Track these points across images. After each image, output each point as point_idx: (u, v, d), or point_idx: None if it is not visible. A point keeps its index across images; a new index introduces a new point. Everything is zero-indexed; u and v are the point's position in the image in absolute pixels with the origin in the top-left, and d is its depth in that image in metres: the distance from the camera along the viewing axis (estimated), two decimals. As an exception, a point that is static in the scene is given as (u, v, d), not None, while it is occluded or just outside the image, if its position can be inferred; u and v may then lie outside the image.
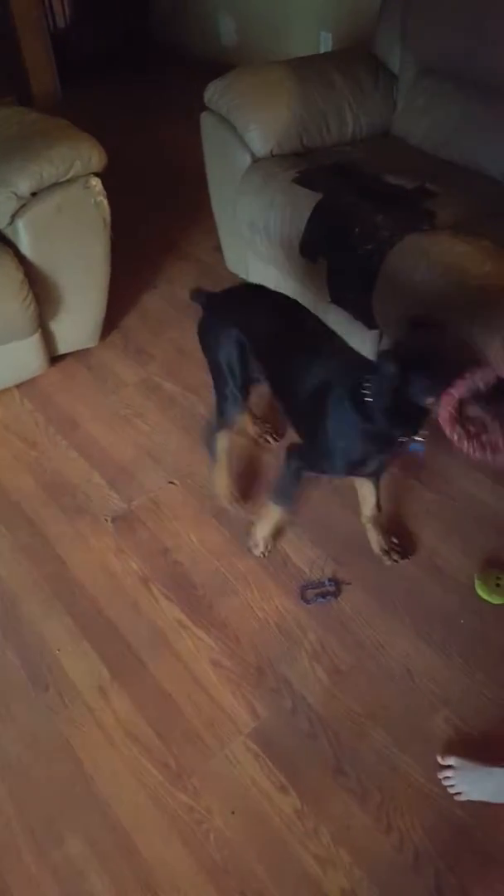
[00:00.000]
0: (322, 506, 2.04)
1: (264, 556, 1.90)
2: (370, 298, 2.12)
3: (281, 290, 1.88)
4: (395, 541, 1.90)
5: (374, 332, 2.21)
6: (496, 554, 1.88)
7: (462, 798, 1.45)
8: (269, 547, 1.92)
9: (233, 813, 1.46)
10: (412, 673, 1.67)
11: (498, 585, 1.79)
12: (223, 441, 1.96)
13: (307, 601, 1.82)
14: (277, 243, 2.37)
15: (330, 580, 1.86)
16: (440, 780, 1.47)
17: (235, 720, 1.60)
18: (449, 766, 1.48)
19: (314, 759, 1.53)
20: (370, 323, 2.19)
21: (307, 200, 2.25)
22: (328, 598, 1.82)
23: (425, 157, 2.56)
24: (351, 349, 1.72)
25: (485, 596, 1.79)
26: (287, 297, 1.83)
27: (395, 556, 1.88)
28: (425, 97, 2.59)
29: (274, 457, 2.15)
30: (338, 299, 2.26)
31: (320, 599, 1.82)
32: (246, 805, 1.47)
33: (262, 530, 1.90)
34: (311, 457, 1.72)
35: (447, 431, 1.30)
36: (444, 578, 1.85)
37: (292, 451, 1.75)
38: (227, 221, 2.71)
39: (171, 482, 2.14)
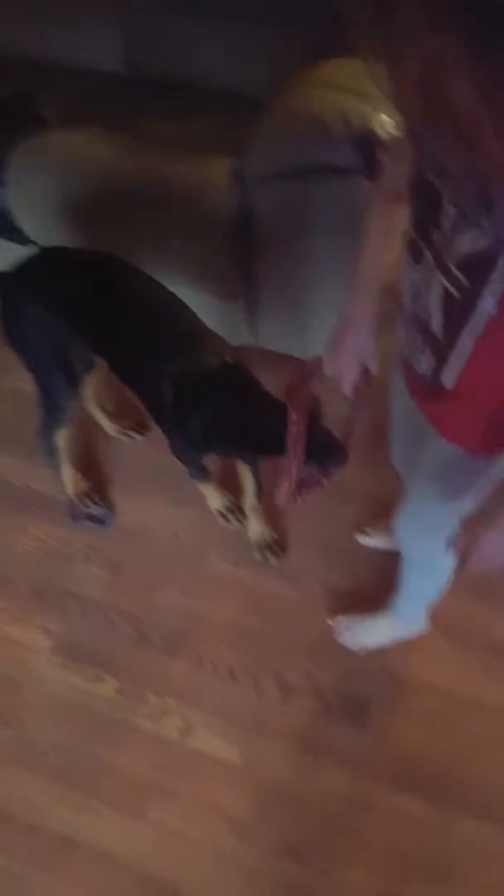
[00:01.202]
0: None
1: (230, 521, 1.79)
2: (10, 216, 2.08)
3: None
4: (275, 536, 1.78)
5: (30, 247, 2.18)
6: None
7: (361, 648, 1.59)
8: (232, 508, 1.80)
9: (61, 723, 1.51)
10: (179, 534, 1.81)
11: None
12: (61, 439, 1.75)
13: (76, 519, 1.84)
14: None
15: (87, 497, 1.87)
16: (336, 638, 1.61)
17: (33, 647, 1.62)
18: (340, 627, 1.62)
19: (118, 643, 1.63)
20: (21, 240, 2.16)
21: None
22: (102, 511, 1.85)
23: (18, 63, 2.48)
24: (191, 318, 1.50)
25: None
26: (99, 253, 1.56)
27: (270, 556, 1.76)
28: (-2, 3, 2.49)
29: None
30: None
31: (89, 523, 1.83)
32: (71, 710, 1.53)
33: (215, 503, 1.79)
34: (177, 447, 1.57)
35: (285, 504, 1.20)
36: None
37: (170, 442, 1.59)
38: None
39: None
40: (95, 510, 1.84)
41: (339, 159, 1.63)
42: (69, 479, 1.84)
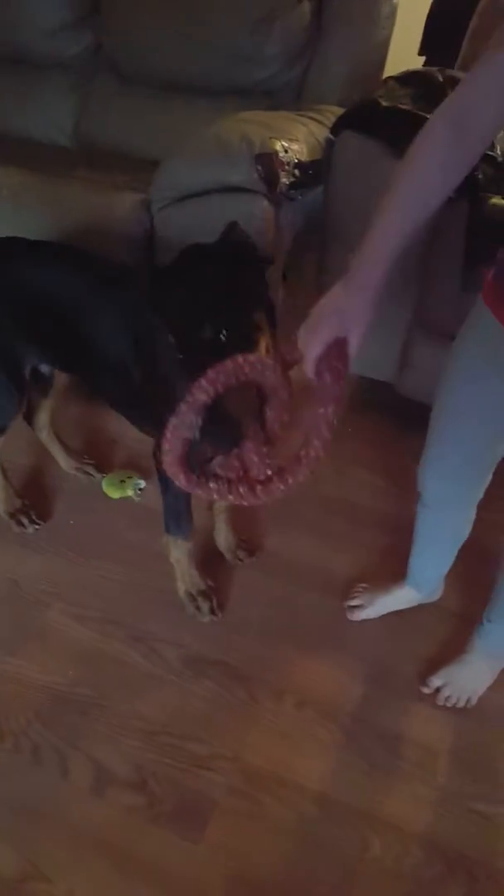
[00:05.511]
0: None
1: (201, 611, 1.40)
2: None
3: None
4: (242, 539, 1.56)
5: None
6: (129, 460, 1.79)
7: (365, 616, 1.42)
8: (208, 593, 1.42)
9: None
10: (18, 582, 1.48)
11: (123, 482, 1.70)
12: None
13: None
14: None
15: None
16: (347, 604, 1.44)
17: None
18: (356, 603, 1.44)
19: None
20: None
21: None
22: None
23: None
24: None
25: (108, 492, 1.69)
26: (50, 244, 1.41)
27: (244, 556, 1.54)
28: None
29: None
30: None
31: None
32: None
33: (185, 577, 1.41)
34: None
35: (177, 481, 0.92)
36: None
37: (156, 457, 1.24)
38: None
39: None
40: None
41: (239, 178, 1.57)
42: (3, 498, 1.60)
